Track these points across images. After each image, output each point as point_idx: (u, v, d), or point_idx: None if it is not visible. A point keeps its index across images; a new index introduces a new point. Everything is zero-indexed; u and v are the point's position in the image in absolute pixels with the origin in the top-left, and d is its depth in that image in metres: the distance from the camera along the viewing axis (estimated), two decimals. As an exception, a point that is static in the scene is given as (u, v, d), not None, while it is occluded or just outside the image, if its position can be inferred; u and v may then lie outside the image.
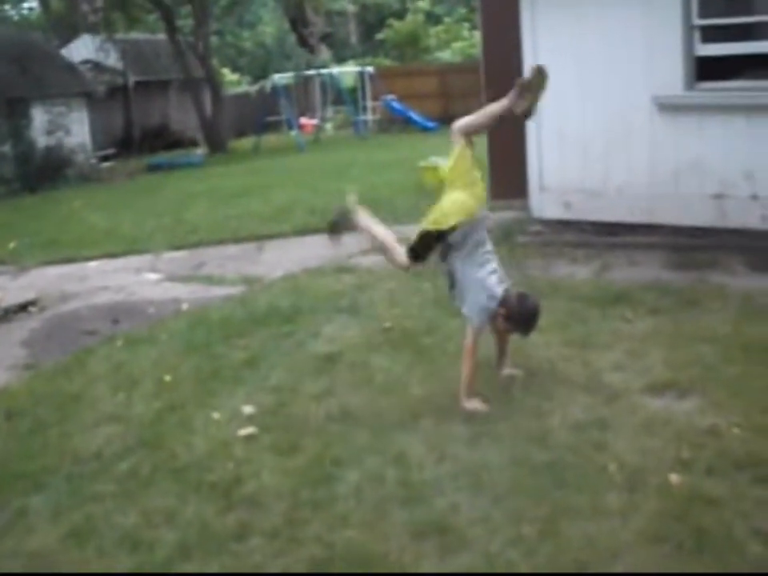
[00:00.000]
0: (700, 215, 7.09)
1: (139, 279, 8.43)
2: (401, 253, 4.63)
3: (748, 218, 6.87)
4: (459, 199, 4.41)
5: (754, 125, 6.78)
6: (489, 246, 4.49)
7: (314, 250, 8.74)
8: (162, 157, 22.36)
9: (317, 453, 4.04)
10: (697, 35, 7.03)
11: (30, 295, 7.88)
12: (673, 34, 7.03)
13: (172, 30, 23.09)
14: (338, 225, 4.85)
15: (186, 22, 26.00)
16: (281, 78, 23.45)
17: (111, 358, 5.84)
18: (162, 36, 25.27)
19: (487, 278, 4.39)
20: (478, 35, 11.57)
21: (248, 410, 4.64)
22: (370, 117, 25.56)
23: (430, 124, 23.23)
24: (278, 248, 9.27)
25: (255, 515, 3.57)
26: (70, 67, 21.37)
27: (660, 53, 7.08)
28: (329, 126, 26.40)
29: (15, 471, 4.23)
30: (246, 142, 24.25)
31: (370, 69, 25.70)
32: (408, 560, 3.17)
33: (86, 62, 24.03)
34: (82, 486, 3.99)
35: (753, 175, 6.80)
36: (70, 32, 27.12)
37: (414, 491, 3.62)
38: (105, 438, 4.49)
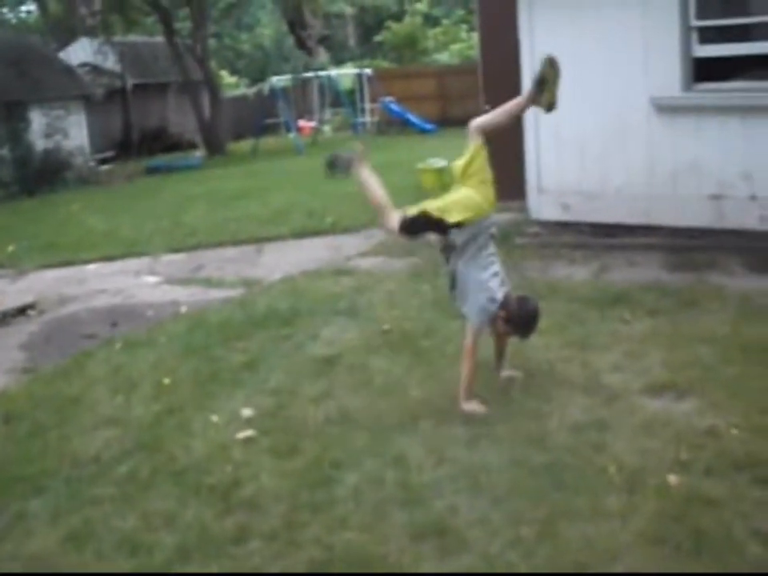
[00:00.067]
0: (698, 216, 7.10)
1: (138, 282, 8.42)
2: (394, 218, 4.51)
3: (746, 218, 6.88)
4: (470, 196, 4.38)
5: (751, 125, 6.79)
6: (492, 249, 4.49)
7: (312, 252, 8.75)
8: (161, 159, 22.34)
9: (316, 455, 4.04)
10: (694, 36, 7.04)
11: (28, 298, 7.87)
12: (670, 35, 7.04)
13: (170, 32, 23.07)
14: (337, 164, 4.82)
15: (184, 25, 25.96)
16: (279, 81, 23.42)
17: (110, 361, 5.84)
18: (160, 39, 25.25)
19: (489, 280, 4.39)
20: (476, 37, 11.59)
21: (247, 412, 4.64)
22: (368, 119, 25.57)
23: (428, 126, 23.25)
24: (276, 250, 9.26)
25: (254, 518, 3.57)
26: (68, 70, 21.34)
27: (657, 54, 7.09)
28: (327, 128, 26.37)
29: (14, 474, 4.22)
30: (245, 145, 24.22)
31: (368, 71, 25.72)
32: (407, 561, 3.17)
33: (84, 64, 24.00)
34: (80, 489, 3.99)
35: (751, 176, 6.81)
36: (68, 35, 27.12)
37: (413, 493, 3.62)
38: (104, 441, 4.49)
